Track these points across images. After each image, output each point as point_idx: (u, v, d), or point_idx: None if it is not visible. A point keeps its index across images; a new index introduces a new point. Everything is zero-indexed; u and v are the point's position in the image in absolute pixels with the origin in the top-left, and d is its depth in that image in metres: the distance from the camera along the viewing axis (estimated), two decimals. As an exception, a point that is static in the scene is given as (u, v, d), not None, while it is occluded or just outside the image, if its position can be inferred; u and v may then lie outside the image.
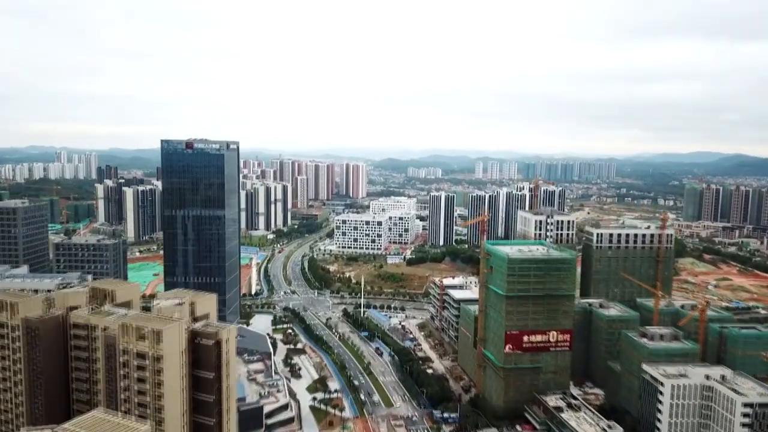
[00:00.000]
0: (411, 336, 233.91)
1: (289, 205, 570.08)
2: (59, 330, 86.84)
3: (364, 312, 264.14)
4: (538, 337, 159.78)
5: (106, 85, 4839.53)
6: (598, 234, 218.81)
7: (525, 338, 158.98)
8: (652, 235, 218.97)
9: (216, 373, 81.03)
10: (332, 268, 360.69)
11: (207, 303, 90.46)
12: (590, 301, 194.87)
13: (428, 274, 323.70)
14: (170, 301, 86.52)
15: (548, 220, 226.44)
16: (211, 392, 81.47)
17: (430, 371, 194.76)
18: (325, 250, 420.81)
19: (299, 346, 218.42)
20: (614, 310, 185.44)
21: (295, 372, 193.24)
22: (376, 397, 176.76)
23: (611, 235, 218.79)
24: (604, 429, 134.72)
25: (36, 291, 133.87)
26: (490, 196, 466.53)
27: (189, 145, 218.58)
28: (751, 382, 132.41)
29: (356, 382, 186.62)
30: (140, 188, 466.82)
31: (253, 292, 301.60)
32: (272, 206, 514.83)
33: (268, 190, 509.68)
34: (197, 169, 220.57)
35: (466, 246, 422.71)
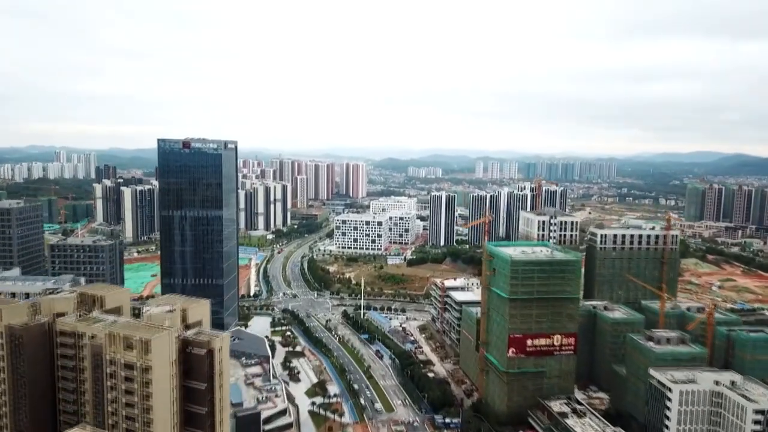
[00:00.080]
0: (412, 338, 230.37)
1: (289, 205, 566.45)
2: (45, 338, 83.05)
3: (364, 314, 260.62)
4: (542, 341, 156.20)
5: (106, 85, 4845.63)
6: (602, 235, 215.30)
7: (528, 342, 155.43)
8: (656, 236, 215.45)
9: (208, 384, 77.31)
10: (332, 268, 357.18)
11: (200, 309, 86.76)
12: (594, 303, 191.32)
13: (429, 275, 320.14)
14: (161, 308, 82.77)
15: (551, 221, 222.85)
16: (203, 404, 77.77)
17: (431, 375, 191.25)
18: (324, 251, 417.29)
19: (298, 348, 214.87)
20: (619, 313, 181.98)
21: (294, 375, 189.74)
22: (377, 403, 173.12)
23: (615, 236, 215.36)
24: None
25: (27, 294, 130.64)
26: (491, 196, 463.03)
27: (186, 144, 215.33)
28: (761, 387, 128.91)
29: (356, 386, 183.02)
30: (138, 188, 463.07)
31: (251, 294, 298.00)
32: (272, 206, 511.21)
33: (267, 190, 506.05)
34: (194, 168, 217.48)
35: (467, 246, 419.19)
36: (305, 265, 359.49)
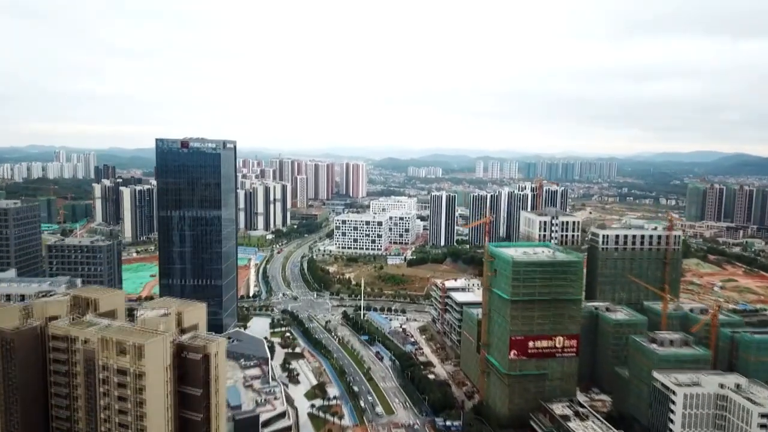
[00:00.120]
0: (412, 340, 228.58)
1: (289, 205, 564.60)
2: (37, 342, 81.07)
3: (364, 314, 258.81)
4: (544, 343, 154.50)
5: (106, 85, 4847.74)
6: (604, 235, 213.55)
7: (530, 344, 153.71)
8: (659, 237, 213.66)
9: (204, 390, 75.45)
10: (332, 269, 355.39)
11: (195, 313, 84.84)
12: (596, 304, 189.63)
13: (429, 276, 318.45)
14: (155, 312, 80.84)
15: (553, 221, 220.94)
16: (198, 410, 75.88)
17: (431, 377, 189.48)
18: (324, 251, 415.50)
19: (298, 350, 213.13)
20: (621, 314, 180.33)
21: (293, 377, 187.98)
22: (377, 405, 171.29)
23: (617, 236, 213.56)
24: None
25: (23, 296, 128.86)
26: (491, 196, 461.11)
27: (184, 144, 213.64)
28: (767, 391, 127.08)
29: (356, 388, 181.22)
30: (137, 188, 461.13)
31: (251, 294, 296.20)
32: (271, 206, 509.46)
33: (267, 190, 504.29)
34: (193, 168, 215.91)
35: (468, 246, 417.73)
36: (305, 266, 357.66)
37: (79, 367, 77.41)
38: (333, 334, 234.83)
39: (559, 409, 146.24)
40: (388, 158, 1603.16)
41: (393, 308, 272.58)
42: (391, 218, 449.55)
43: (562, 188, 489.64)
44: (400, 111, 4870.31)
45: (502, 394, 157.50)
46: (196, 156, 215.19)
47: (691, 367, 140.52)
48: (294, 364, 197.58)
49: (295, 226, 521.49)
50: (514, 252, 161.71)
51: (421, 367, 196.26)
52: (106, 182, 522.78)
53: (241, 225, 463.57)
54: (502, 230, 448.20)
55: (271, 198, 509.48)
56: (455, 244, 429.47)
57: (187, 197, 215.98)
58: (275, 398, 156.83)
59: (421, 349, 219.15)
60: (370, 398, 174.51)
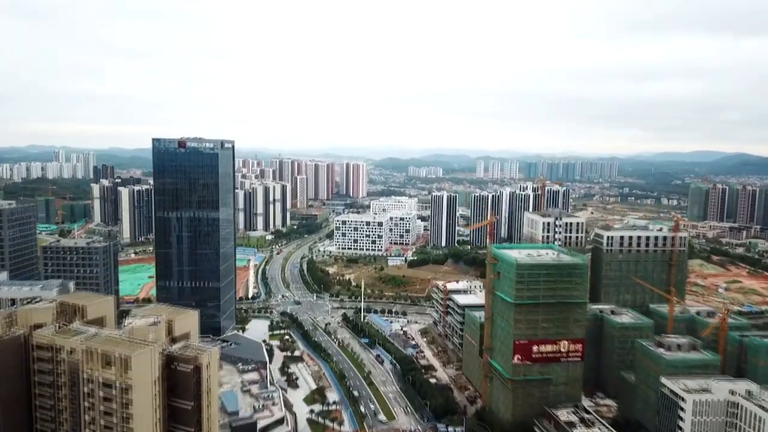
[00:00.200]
0: (413, 342, 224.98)
1: (289, 205, 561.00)
2: (20, 352, 77.32)
3: (364, 317, 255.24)
4: (549, 347, 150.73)
5: (106, 85, 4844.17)
6: (608, 237, 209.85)
7: (534, 348, 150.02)
8: (664, 238, 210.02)
9: (196, 403, 71.75)
10: (332, 270, 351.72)
11: (187, 321, 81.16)
12: (601, 307, 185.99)
13: (430, 277, 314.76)
14: (144, 320, 77.18)
15: (557, 222, 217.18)
16: (190, 424, 72.16)
17: (433, 381, 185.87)
18: (324, 252, 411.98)
19: (297, 353, 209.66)
20: (627, 317, 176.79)
21: (292, 381, 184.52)
22: (378, 411, 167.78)
23: (622, 237, 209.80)
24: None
25: (13, 300, 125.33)
26: (493, 196, 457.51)
27: (181, 144, 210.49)
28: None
29: (356, 393, 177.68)
30: (136, 188, 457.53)
31: (250, 296, 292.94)
32: (271, 206, 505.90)
33: (266, 190, 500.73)
34: (190, 168, 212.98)
35: (469, 247, 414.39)
36: (305, 267, 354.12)
37: (65, 378, 73.85)
38: (333, 336, 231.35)
39: (564, 415, 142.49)
40: (388, 158, 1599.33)
41: (394, 310, 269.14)
42: (391, 219, 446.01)
43: (564, 188, 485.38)
44: (400, 111, 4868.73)
45: (506, 399, 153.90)
46: (194, 156, 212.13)
47: (699, 373, 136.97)
48: (293, 368, 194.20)
49: (295, 227, 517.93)
50: (517, 254, 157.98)
51: (423, 371, 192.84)
52: (105, 182, 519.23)
53: (241, 225, 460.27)
54: (503, 231, 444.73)
55: (271, 198, 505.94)
56: (456, 244, 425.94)
57: (184, 198, 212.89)
58: (273, 404, 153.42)
59: (423, 352, 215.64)
60: (372, 406, 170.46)
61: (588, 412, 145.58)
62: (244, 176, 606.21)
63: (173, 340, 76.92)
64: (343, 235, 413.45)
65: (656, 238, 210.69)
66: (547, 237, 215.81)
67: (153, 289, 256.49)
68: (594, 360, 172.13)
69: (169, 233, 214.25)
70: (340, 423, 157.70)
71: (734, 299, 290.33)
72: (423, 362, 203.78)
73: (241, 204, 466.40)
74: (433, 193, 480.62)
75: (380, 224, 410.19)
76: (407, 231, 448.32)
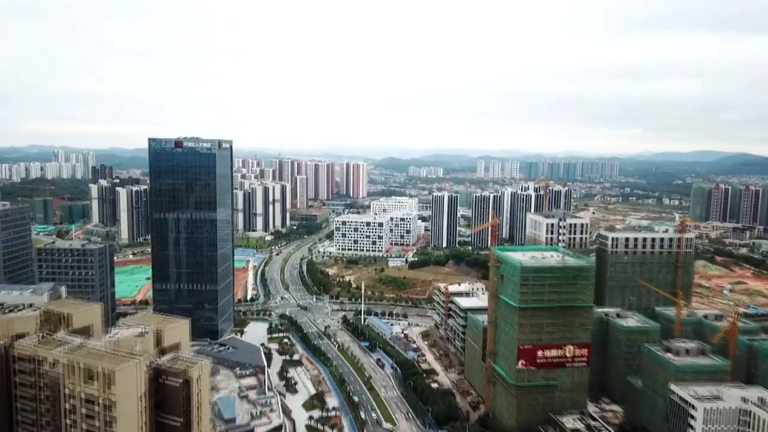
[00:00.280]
0: (414, 346, 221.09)
1: (288, 206, 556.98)
2: (1, 363, 73.75)
3: (364, 319, 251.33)
4: (554, 352, 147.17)
5: (106, 85, 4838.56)
6: (613, 238, 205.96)
7: (539, 353, 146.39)
8: (670, 239, 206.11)
9: (185, 419, 67.94)
10: (331, 271, 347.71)
11: (177, 331, 77.30)
12: (606, 310, 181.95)
13: (432, 278, 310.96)
14: (131, 330, 73.44)
15: (560, 224, 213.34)
16: (179, 440, 68.65)
17: (435, 385, 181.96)
18: (324, 252, 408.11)
19: (296, 357, 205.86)
20: (633, 321, 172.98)
21: (290, 386, 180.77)
22: (378, 416, 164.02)
23: (627, 239, 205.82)
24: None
25: (2, 305, 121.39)
26: (494, 196, 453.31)
27: (178, 143, 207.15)
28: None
29: (356, 398, 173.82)
30: (134, 188, 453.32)
31: (248, 298, 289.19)
32: (271, 206, 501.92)
33: (266, 190, 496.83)
34: (187, 169, 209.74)
35: (470, 248, 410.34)
36: (304, 268, 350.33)
37: (48, 392, 69.97)
38: (332, 339, 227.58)
39: (569, 422, 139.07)
40: (388, 158, 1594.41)
41: (394, 312, 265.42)
42: (392, 219, 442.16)
43: (566, 188, 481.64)
44: (400, 111, 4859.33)
45: (510, 405, 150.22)
46: (191, 156, 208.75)
47: (709, 379, 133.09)
48: (292, 372, 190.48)
49: (295, 227, 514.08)
50: (521, 256, 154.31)
51: (424, 375, 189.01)
52: (103, 183, 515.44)
53: (240, 226, 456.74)
54: (505, 231, 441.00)
55: (271, 198, 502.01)
56: (457, 245, 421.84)
57: (181, 199, 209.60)
58: (271, 410, 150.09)
59: (424, 356, 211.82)
60: (374, 414, 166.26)
61: (594, 419, 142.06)
62: (243, 176, 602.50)
63: (162, 352, 73.08)
64: (343, 235, 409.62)
65: (662, 239, 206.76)
66: (551, 238, 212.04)
67: (150, 291, 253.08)
68: (599, 364, 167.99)
69: (166, 235, 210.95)
70: (340, 429, 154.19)
71: (739, 301, 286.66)
72: (424, 366, 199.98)
73: (240, 204, 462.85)
74: (434, 193, 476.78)
75: (380, 225, 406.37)
76: (408, 232, 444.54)
